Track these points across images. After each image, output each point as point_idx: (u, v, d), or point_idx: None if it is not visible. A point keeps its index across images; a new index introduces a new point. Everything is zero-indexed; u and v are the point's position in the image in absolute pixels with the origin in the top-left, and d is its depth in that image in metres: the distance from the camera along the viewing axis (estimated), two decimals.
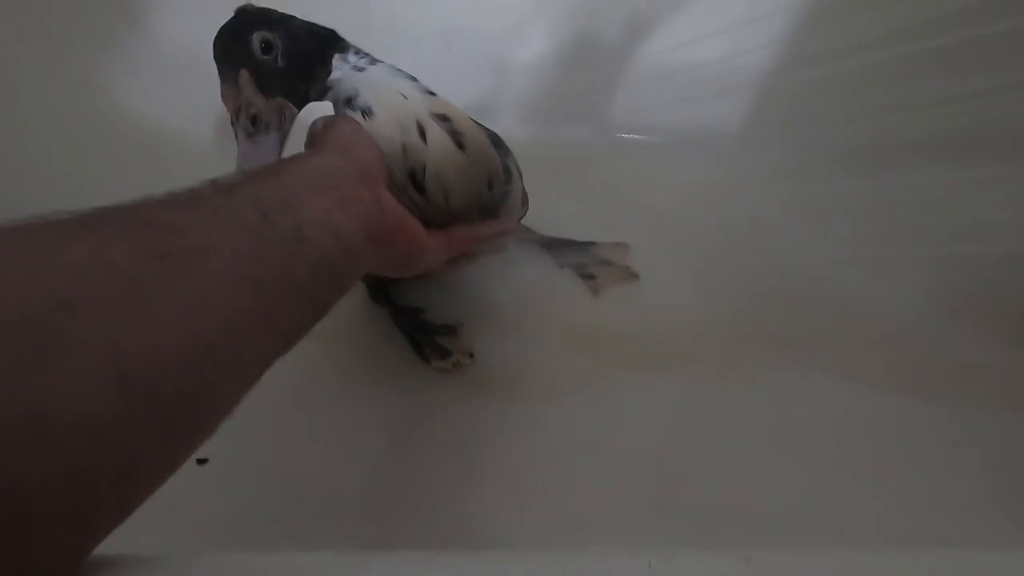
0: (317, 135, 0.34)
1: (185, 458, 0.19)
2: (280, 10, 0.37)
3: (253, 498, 0.40)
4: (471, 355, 0.47)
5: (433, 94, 0.37)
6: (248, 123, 0.32)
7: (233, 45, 0.34)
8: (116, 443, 0.15)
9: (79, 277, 0.16)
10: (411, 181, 0.35)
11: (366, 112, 0.35)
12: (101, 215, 0.19)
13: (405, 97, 0.36)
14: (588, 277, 0.54)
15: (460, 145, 0.36)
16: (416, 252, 0.34)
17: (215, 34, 0.35)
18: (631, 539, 0.39)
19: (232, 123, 0.34)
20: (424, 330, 0.49)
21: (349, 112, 0.35)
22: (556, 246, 0.56)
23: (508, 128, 0.66)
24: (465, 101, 0.42)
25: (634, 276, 0.55)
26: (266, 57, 0.34)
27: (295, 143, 0.35)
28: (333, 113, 0.37)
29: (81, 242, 0.17)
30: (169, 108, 0.55)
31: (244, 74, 0.33)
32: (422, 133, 0.35)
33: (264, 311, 0.21)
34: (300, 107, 0.36)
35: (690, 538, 0.39)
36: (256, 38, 0.34)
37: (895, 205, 0.57)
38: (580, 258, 0.56)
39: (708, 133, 0.65)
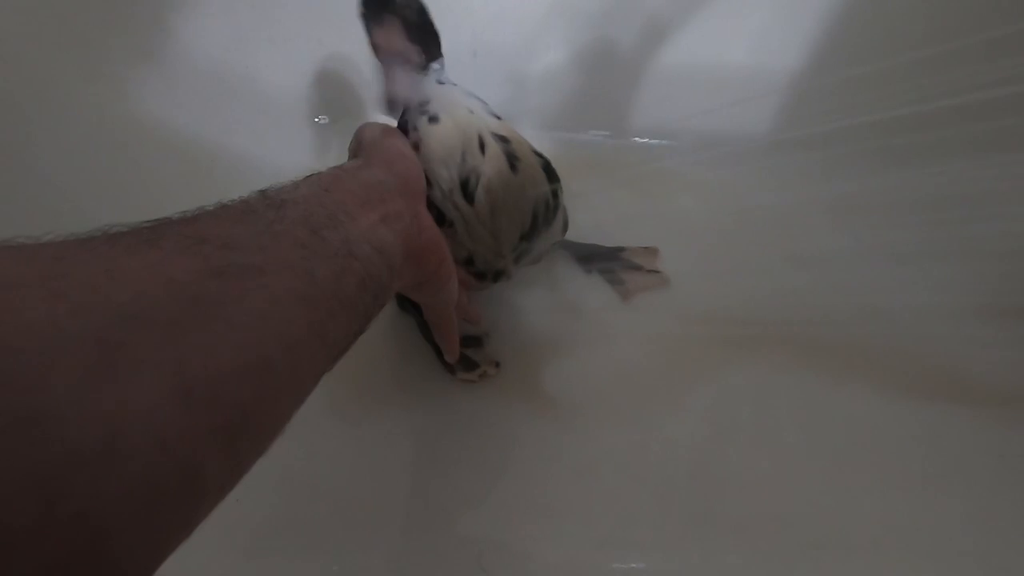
0: (364, 144, 0.34)
1: (246, 470, 0.19)
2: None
3: (283, 508, 0.40)
4: (497, 364, 0.47)
5: (499, 118, 0.39)
6: (399, 60, 0.37)
7: None
8: (183, 456, 0.16)
9: (142, 293, 0.16)
10: (461, 188, 0.37)
11: (433, 119, 0.37)
12: (160, 230, 0.19)
13: (472, 112, 0.38)
14: (617, 282, 0.54)
15: (514, 167, 0.38)
16: (443, 275, 0.34)
17: None
18: (668, 552, 0.38)
19: (381, 61, 0.38)
20: None
21: (419, 115, 0.37)
22: (584, 252, 0.56)
23: (532, 136, 0.66)
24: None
25: (664, 280, 0.54)
26: (407, 10, 0.38)
27: None
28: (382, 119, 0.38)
29: (143, 258, 0.17)
30: (201, 119, 0.55)
31: (395, 20, 0.37)
32: (482, 146, 0.37)
33: (316, 326, 0.21)
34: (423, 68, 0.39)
35: (728, 551, 0.38)
36: None
37: (928, 205, 0.56)
38: (608, 263, 0.55)
39: (733, 136, 0.65)
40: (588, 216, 0.57)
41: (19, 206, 0.43)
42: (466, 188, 0.37)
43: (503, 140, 0.38)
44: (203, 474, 0.16)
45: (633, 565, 0.38)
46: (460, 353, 0.47)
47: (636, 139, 0.66)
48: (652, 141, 0.66)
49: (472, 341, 0.48)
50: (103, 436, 0.14)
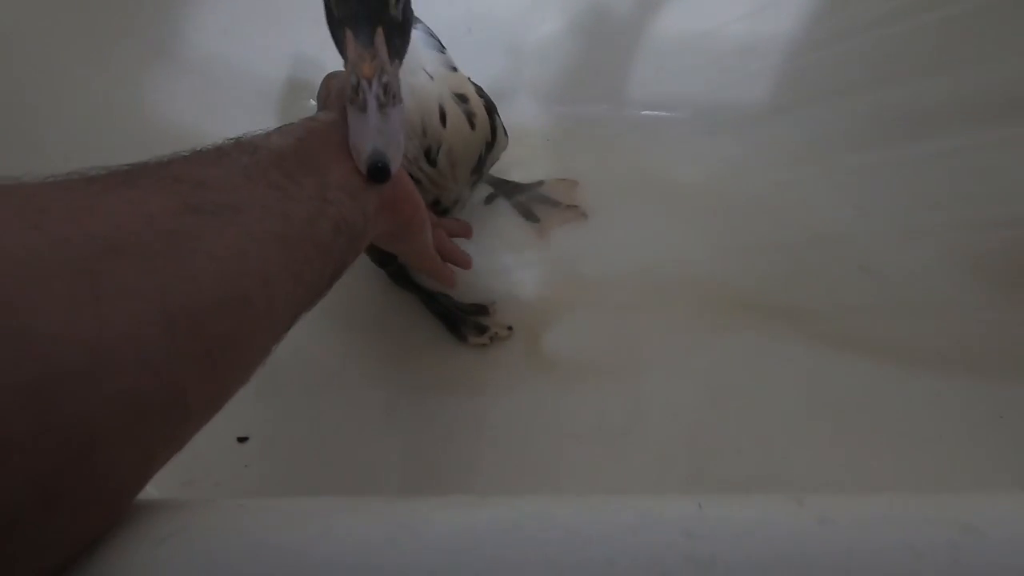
0: (334, 95, 0.31)
1: (227, 398, 0.19)
2: None
3: (292, 474, 0.40)
4: (510, 328, 0.47)
5: (455, 69, 0.39)
6: (380, 92, 0.26)
7: None
8: (168, 376, 0.16)
9: (122, 227, 0.17)
10: (424, 155, 0.38)
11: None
12: (136, 172, 0.19)
13: (431, 78, 0.37)
14: (532, 218, 0.53)
15: (472, 125, 0.39)
16: (417, 225, 0.34)
17: None
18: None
19: (355, 91, 0.26)
20: (457, 311, 0.49)
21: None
22: (506, 188, 0.55)
23: (531, 110, 0.66)
24: (486, 85, 0.43)
25: (581, 214, 0.53)
26: (395, 12, 0.28)
27: None
28: None
29: (121, 195, 0.18)
30: (208, 116, 0.56)
31: (380, 33, 0.27)
32: (443, 117, 0.37)
33: (292, 264, 0.22)
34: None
35: None
36: None
37: (926, 173, 0.56)
38: (526, 199, 0.55)
39: (733, 107, 0.64)
40: (584, 187, 0.57)
41: None
42: (428, 155, 0.37)
43: (463, 99, 0.38)
44: (186, 393, 0.17)
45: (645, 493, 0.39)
46: (470, 320, 0.47)
47: (635, 111, 0.66)
48: (651, 112, 0.66)
49: (478, 310, 0.49)
50: (90, 355, 0.14)
